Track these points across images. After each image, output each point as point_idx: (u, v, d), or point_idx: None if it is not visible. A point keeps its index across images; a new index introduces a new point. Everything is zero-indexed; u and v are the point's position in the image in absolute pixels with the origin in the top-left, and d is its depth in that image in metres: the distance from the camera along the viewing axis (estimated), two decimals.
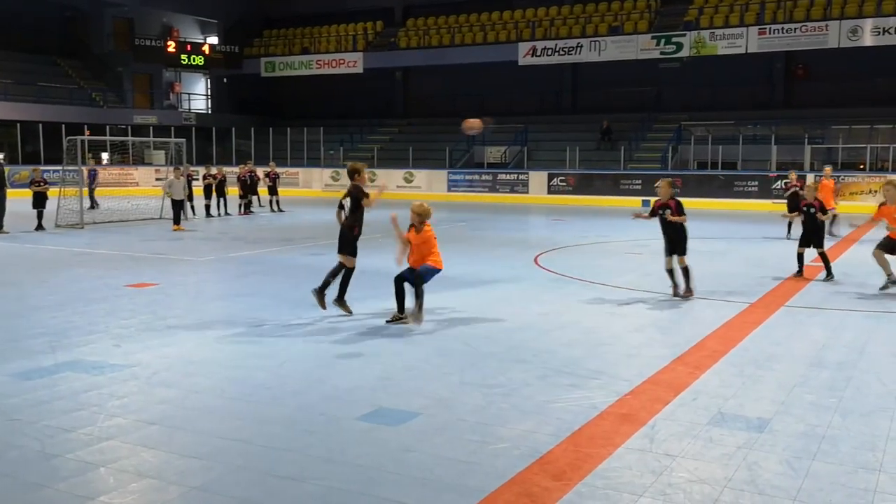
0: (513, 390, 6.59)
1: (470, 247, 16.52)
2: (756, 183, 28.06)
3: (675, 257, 10.66)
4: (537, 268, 13.38)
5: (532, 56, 34.47)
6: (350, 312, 9.43)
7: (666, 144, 32.15)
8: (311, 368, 7.28)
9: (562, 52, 33.87)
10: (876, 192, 25.60)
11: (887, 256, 10.92)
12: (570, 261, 14.32)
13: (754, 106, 32.74)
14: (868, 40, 28.55)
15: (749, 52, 30.55)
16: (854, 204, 25.61)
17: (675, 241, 10.61)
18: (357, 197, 9.30)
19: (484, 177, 33.19)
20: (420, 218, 9.12)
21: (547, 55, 34.19)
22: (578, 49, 33.46)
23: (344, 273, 9.41)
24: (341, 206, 9.44)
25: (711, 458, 5.15)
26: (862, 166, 27.54)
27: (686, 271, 10.61)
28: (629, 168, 31.17)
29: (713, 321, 9.22)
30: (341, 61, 39.79)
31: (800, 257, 12.41)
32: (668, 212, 10.54)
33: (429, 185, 33.62)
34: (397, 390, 6.60)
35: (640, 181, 29.75)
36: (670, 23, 33.18)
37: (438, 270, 9.21)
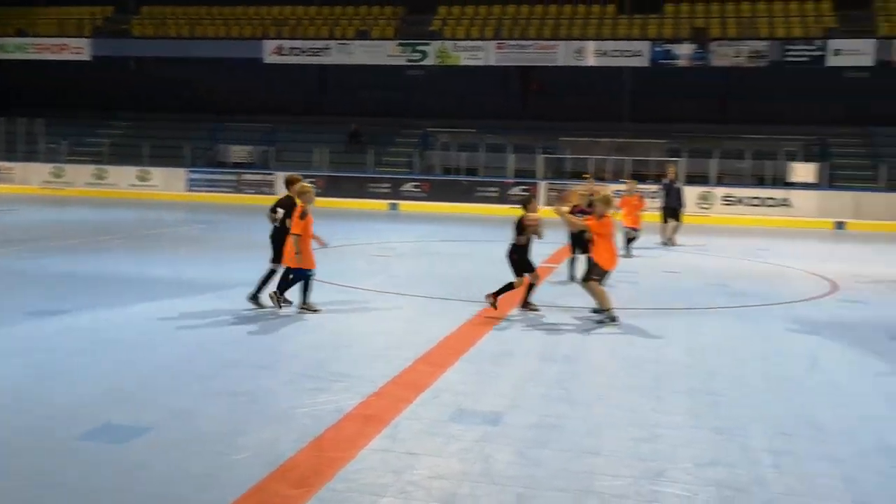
0: (256, 397, 6.35)
1: (212, 250, 15.86)
2: (496, 189, 29.71)
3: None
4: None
5: (279, 55, 33.87)
6: (288, 305, 9.71)
7: (413, 149, 33.10)
8: (25, 386, 6.52)
9: (309, 53, 33.62)
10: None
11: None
12: (317, 263, 14.16)
13: (494, 115, 34.64)
14: (591, 60, 31.36)
15: (489, 64, 32.30)
16: None
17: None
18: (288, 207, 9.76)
19: (228, 177, 32.02)
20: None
21: (294, 55, 33.76)
22: (327, 51, 33.42)
23: (277, 272, 9.82)
24: (274, 211, 9.91)
25: (450, 454, 5.30)
26: (586, 175, 30.10)
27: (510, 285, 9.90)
28: (377, 171, 31.68)
29: (455, 320, 9.54)
30: (64, 46, 36.34)
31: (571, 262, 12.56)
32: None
33: (166, 184, 31.80)
34: (128, 404, 6.10)
35: (388, 185, 30.34)
36: (416, 31, 34.19)
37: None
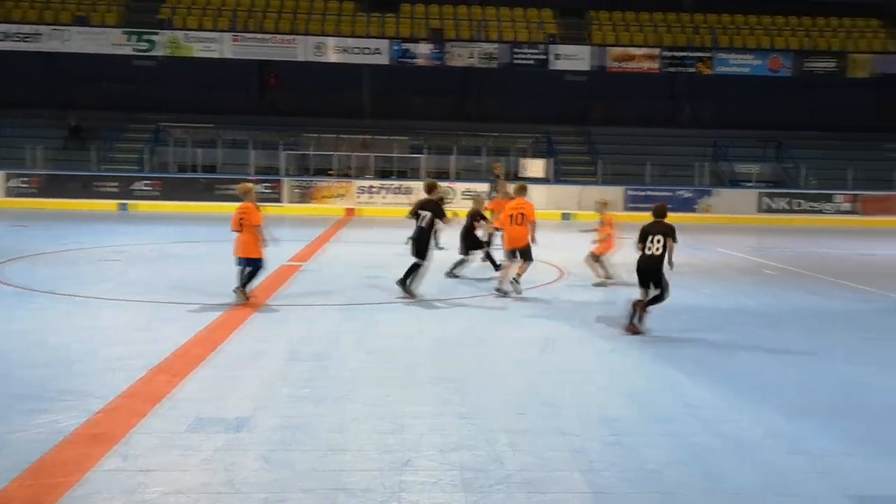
0: None
1: None
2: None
3: None
4: None
5: None
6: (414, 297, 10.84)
7: (144, 145, 31.06)
8: None
9: (16, 38, 30.23)
10: (343, 195, 28.27)
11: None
12: (36, 272, 12.82)
13: (233, 111, 33.47)
14: (332, 56, 31.31)
15: (225, 57, 31.09)
16: (324, 206, 27.98)
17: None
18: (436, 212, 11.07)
19: None
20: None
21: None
22: (37, 37, 30.23)
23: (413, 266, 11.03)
24: (417, 216, 11.07)
25: (190, 466, 4.99)
26: (331, 172, 30.14)
27: None
28: (104, 169, 29.35)
29: (196, 325, 9.03)
30: None
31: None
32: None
33: None
34: None
35: (116, 183, 28.22)
36: (143, 19, 32.04)
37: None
